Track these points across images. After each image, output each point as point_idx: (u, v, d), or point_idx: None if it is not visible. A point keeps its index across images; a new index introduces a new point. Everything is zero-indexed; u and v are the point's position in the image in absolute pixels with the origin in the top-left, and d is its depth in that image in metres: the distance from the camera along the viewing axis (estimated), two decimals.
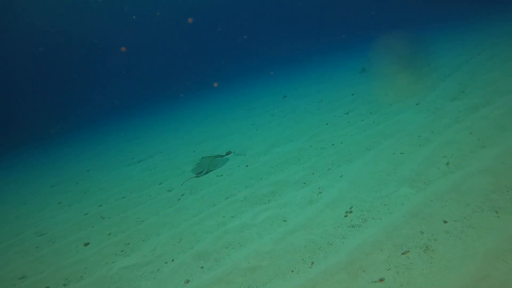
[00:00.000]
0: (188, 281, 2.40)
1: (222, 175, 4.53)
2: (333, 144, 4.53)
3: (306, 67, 17.46)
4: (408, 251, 2.05)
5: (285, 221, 2.82)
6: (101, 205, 4.72)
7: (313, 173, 3.70)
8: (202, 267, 2.51)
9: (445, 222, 2.22)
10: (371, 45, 17.19)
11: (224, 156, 5.51)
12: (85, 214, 4.50)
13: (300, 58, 23.42)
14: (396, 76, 8.29)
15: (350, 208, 2.73)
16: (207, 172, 4.77)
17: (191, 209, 3.65)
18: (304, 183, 3.51)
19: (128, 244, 3.21)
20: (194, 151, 6.53)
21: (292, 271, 2.19)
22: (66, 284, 2.77)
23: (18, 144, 17.58)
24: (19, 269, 3.30)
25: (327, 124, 5.69)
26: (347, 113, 6.05)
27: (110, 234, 3.58)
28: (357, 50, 16.70)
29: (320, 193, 3.17)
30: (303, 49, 26.87)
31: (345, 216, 2.65)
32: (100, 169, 7.37)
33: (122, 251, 3.11)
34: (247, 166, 4.66)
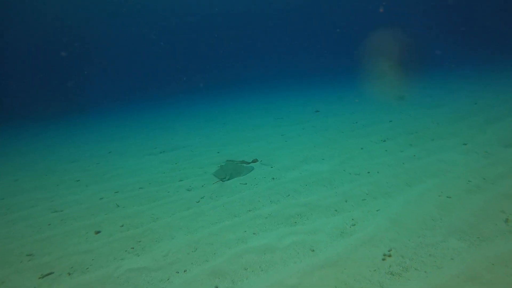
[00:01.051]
0: None
1: (246, 184, 4.30)
2: (368, 172, 4.21)
3: (340, 85, 17.09)
4: None
5: (313, 251, 2.54)
6: (117, 192, 4.59)
7: (346, 201, 3.40)
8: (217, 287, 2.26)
9: None
10: (411, 74, 16.67)
11: (250, 163, 5.28)
12: (100, 199, 4.38)
13: (335, 73, 23.08)
14: (437, 110, 7.84)
15: (389, 251, 2.42)
16: (230, 178, 4.55)
17: (210, 215, 3.43)
18: (336, 211, 3.22)
19: (139, 241, 3.02)
20: (218, 152, 6.34)
21: None
22: (71, 273, 2.60)
23: (47, 116, 18.11)
24: (28, 245, 3.18)
25: (362, 148, 5.36)
26: (384, 141, 5.69)
27: (122, 226, 3.41)
28: (397, 78, 16.18)
29: (353, 225, 2.87)
30: (342, 65, 26.51)
31: (383, 259, 2.35)
32: (122, 153, 7.32)
33: (133, 248, 2.92)
34: (273, 178, 4.41)
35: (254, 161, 5.34)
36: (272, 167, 4.92)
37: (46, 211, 4.10)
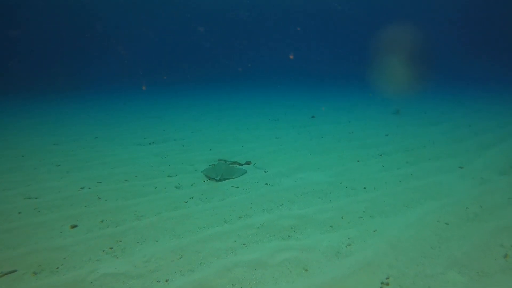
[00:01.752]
0: None
1: (238, 187, 4.10)
2: (365, 188, 4.07)
3: (337, 91, 17.04)
4: None
5: (307, 271, 2.37)
6: (100, 182, 4.33)
7: (342, 217, 3.24)
8: None
9: None
10: (408, 88, 16.77)
11: (243, 165, 5.08)
12: (81, 188, 4.11)
13: (334, 79, 23.11)
14: (433, 128, 7.81)
15: (387, 279, 2.27)
16: (220, 179, 4.34)
17: (198, 219, 3.22)
18: (331, 227, 3.06)
19: (119, 241, 2.78)
20: (210, 150, 6.12)
21: None
22: (37, 273, 2.36)
23: (35, 92, 17.46)
24: None
25: (358, 161, 5.23)
26: (381, 155, 5.58)
27: (102, 222, 3.17)
28: (394, 91, 16.22)
29: (349, 245, 2.72)
30: (340, 71, 26.57)
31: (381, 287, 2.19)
32: (109, 140, 7.01)
33: (111, 248, 2.68)
34: (266, 184, 4.22)
35: (248, 163, 5.14)
36: (265, 172, 4.73)
37: (18, 197, 3.80)
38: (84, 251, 2.64)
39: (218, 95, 16.42)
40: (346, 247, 2.70)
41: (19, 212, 3.39)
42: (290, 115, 10.36)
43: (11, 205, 3.54)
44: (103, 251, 2.65)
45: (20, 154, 5.80)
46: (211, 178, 4.40)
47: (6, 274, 2.31)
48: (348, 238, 2.82)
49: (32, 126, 8.58)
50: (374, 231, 2.94)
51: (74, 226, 3.06)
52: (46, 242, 2.76)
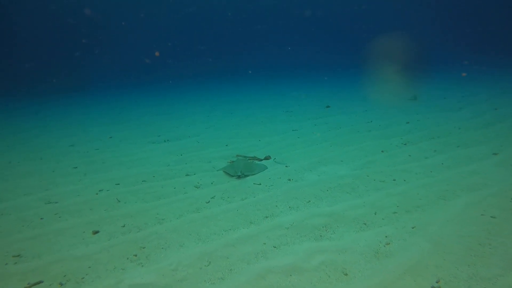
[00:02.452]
0: None
1: (260, 184, 3.93)
2: (394, 180, 3.85)
3: (348, 81, 16.63)
4: None
5: (347, 275, 2.19)
6: (118, 184, 4.22)
7: (375, 213, 3.04)
8: None
9: None
10: (421, 74, 16.24)
11: (262, 160, 4.91)
12: (99, 191, 4.01)
13: (344, 68, 22.63)
14: (456, 114, 7.46)
15: (437, 282, 2.07)
16: (241, 176, 4.18)
17: (222, 220, 3.07)
18: (365, 224, 2.86)
19: (143, 248, 2.66)
20: (227, 145, 5.96)
21: None
22: (63, 284, 2.25)
23: (46, 92, 17.60)
24: (16, 243, 2.81)
25: (382, 151, 5.00)
26: (405, 144, 5.32)
27: (124, 226, 3.05)
28: (407, 77, 15.72)
29: (387, 244, 2.52)
30: (350, 61, 26.02)
31: None
32: (123, 139, 6.92)
33: (136, 255, 2.56)
34: (289, 180, 4.04)
35: (267, 158, 4.96)
36: (287, 167, 4.55)
37: (39, 202, 3.73)
38: (108, 259, 2.52)
39: (227, 90, 16.22)
40: (384, 246, 2.50)
41: (41, 218, 3.30)
42: (304, 107, 10.10)
43: (33, 210, 3.46)
44: (128, 258, 2.53)
45: (39, 157, 5.76)
46: (231, 176, 4.24)
47: (33, 285, 2.21)
48: (386, 237, 2.62)
49: (45, 127, 8.58)
50: (413, 228, 2.73)
51: (96, 232, 2.95)
52: (70, 250, 2.65)
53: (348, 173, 4.13)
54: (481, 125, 6.21)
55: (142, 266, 2.42)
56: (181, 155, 5.51)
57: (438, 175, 3.92)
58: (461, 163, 4.27)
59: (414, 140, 5.53)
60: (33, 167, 5.13)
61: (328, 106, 9.78)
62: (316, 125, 7.32)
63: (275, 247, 2.57)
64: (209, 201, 3.53)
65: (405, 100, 9.95)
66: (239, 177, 4.16)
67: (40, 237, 2.90)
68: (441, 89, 11.88)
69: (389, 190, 3.53)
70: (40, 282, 2.26)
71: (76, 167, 5.06)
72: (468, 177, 3.77)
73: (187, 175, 4.45)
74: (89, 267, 2.43)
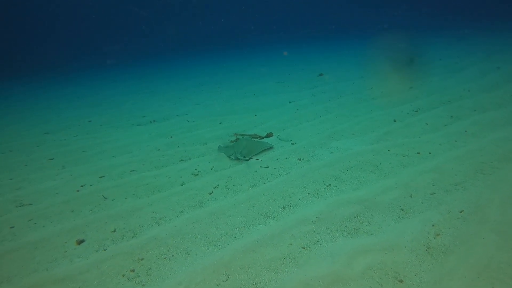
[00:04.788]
0: None
1: (268, 167, 3.43)
2: (418, 153, 3.42)
3: (336, 44, 15.94)
4: None
5: (402, 282, 1.76)
6: (102, 177, 3.64)
7: (410, 196, 2.61)
8: None
9: None
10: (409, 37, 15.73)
11: (264, 138, 4.39)
12: (81, 186, 3.43)
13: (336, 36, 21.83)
14: (460, 75, 7.04)
15: None
16: (244, 158, 3.66)
17: (232, 216, 2.58)
18: (403, 210, 2.43)
19: (141, 259, 2.15)
20: (220, 123, 5.39)
21: None
22: None
23: (16, 74, 16.23)
24: None
25: (395, 121, 4.55)
26: (416, 111, 4.89)
27: (114, 231, 2.52)
28: (398, 39, 15.14)
29: (437, 235, 2.10)
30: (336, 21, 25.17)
31: None
32: (105, 123, 6.23)
33: (133, 271, 2.06)
34: (300, 159, 3.56)
35: (269, 135, 4.44)
36: (293, 144, 4.05)
37: (9, 205, 3.13)
38: (99, 278, 2.01)
39: (208, 62, 15.30)
40: (434, 238, 2.08)
41: (11, 227, 2.73)
42: (295, 75, 9.50)
43: (0, 217, 2.87)
44: (123, 275, 2.02)
45: (7, 149, 5.05)
46: (232, 159, 3.72)
47: None
48: (433, 225, 2.20)
49: (15, 113, 7.72)
50: (461, 212, 2.32)
51: (80, 242, 2.42)
52: (49, 269, 2.12)
53: (365, 148, 3.67)
54: (490, 86, 5.82)
55: (143, 285, 1.92)
56: (171, 137, 4.92)
57: (465, 144, 3.51)
58: (486, 130, 3.88)
59: (425, 106, 5.10)
60: (2, 162, 4.45)
61: (321, 74, 9.21)
62: (313, 95, 6.79)
63: (304, 248, 2.11)
64: (212, 192, 3.02)
65: (402, 64, 9.45)
66: (242, 159, 3.64)
67: (10, 253, 2.34)
68: (433, 50, 11.40)
69: (417, 166, 3.10)
70: None
71: (52, 159, 4.42)
72: (502, 145, 3.37)
73: (181, 160, 3.91)
74: None
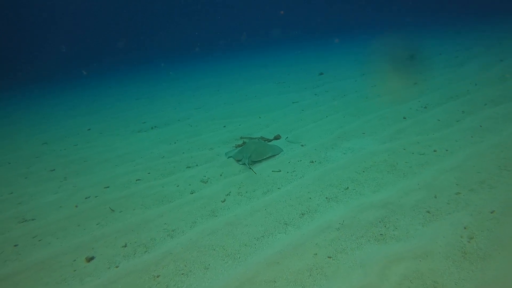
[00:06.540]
0: None
1: (280, 171, 3.30)
2: (435, 151, 3.30)
3: (332, 45, 15.89)
4: None
5: None
6: (107, 187, 3.50)
7: (435, 197, 2.49)
8: None
9: None
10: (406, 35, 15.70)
11: (272, 140, 4.26)
12: (85, 198, 3.28)
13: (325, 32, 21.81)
14: (463, 69, 6.95)
15: None
16: (253, 162, 3.53)
17: (249, 226, 2.44)
18: (429, 212, 2.31)
19: (157, 277, 2.01)
20: (224, 126, 5.26)
21: None
22: None
23: (12, 85, 16.03)
24: None
25: (404, 118, 4.44)
26: (425, 107, 4.78)
27: (125, 246, 2.38)
28: (396, 37, 15.10)
29: (471, 238, 1.98)
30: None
31: None
32: (104, 130, 6.08)
33: None
34: (312, 162, 3.43)
35: (277, 137, 4.32)
36: (303, 146, 3.93)
37: (11, 221, 2.98)
38: None
39: (205, 66, 15.17)
40: (469, 242, 1.96)
41: (15, 245, 2.58)
42: (295, 75, 9.39)
43: (2, 235, 2.72)
44: None
45: (6, 162, 4.89)
46: (242, 164, 3.59)
47: None
48: (464, 228, 2.08)
49: (11, 125, 7.54)
50: (492, 212, 2.20)
51: (90, 259, 2.27)
52: None
53: (378, 147, 3.55)
54: (496, 79, 5.73)
55: None
56: (175, 143, 4.78)
57: (483, 140, 3.40)
58: (502, 123, 3.77)
59: (433, 101, 4.99)
60: (2, 175, 4.29)
61: (321, 73, 9.10)
62: (316, 94, 6.67)
63: (330, 257, 1.98)
64: (224, 200, 2.88)
65: (402, 61, 9.37)
66: (252, 164, 3.50)
67: (15, 275, 2.19)
68: (431, 45, 11.33)
69: (437, 165, 2.98)
70: None
71: (53, 170, 4.27)
72: None
73: (188, 167, 3.77)
74: None
